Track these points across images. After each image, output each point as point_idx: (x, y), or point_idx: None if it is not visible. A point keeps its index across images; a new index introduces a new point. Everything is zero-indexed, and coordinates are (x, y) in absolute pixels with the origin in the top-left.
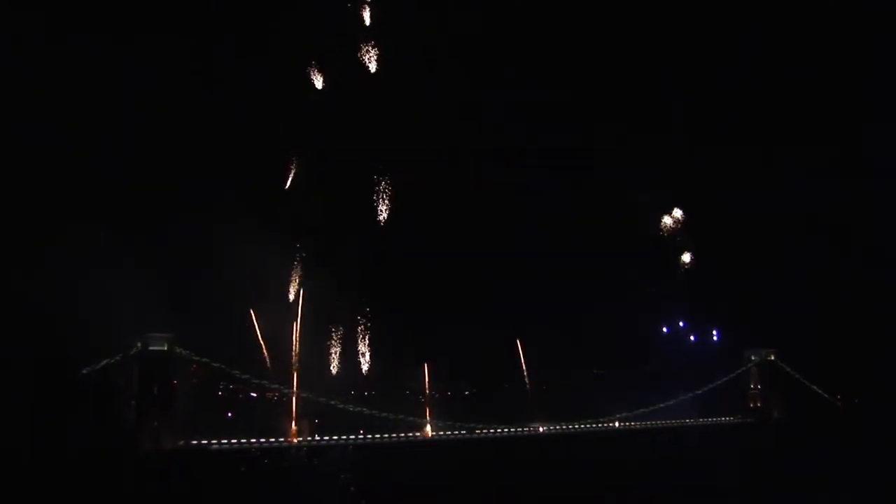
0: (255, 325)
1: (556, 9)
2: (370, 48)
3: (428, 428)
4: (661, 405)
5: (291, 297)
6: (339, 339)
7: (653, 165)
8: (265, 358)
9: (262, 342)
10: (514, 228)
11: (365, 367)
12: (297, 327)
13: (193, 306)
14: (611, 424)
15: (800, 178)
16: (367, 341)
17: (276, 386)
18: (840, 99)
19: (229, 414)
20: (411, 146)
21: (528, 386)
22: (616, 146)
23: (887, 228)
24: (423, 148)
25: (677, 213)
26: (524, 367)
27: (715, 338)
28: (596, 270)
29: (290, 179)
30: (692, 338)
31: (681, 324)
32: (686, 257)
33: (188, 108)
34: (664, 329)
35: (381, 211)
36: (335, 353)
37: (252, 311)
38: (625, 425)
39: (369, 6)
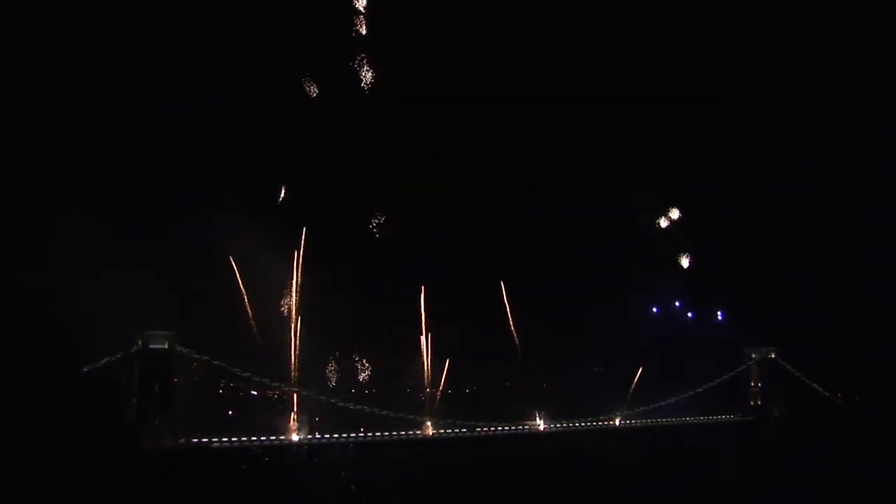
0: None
1: (554, 12)
2: (364, 58)
3: (428, 426)
4: (662, 403)
5: (291, 294)
6: (339, 336)
7: (652, 165)
8: (265, 355)
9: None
10: (512, 228)
11: (365, 365)
12: (294, 319)
13: (193, 305)
14: (611, 422)
15: (801, 176)
16: (367, 339)
17: (277, 384)
18: (843, 100)
19: (230, 412)
20: (408, 146)
21: (527, 383)
22: (615, 147)
23: (889, 224)
24: (419, 149)
25: (674, 213)
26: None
27: (719, 317)
28: (595, 269)
29: (282, 194)
30: (689, 314)
31: (677, 303)
32: (684, 261)
33: (189, 109)
34: (654, 309)
35: (378, 217)
36: (335, 351)
37: (231, 259)
38: (625, 423)
39: (364, 16)
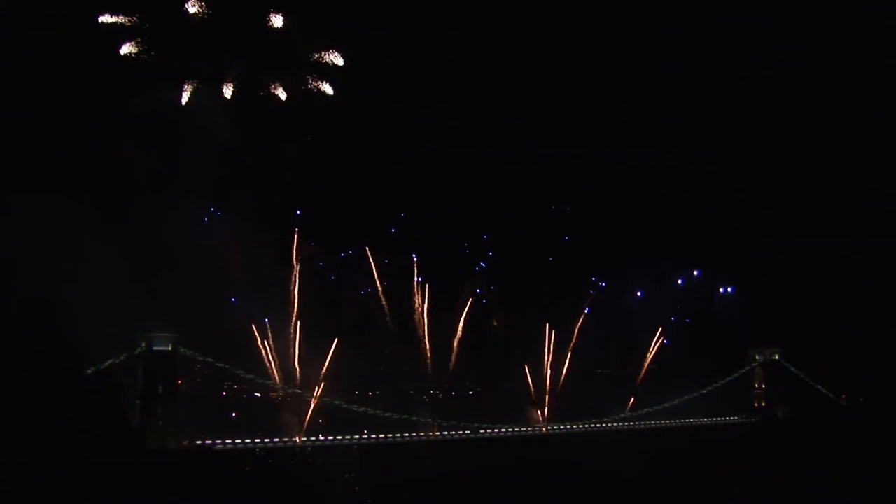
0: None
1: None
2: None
3: (432, 427)
4: (666, 404)
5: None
6: (341, 337)
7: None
8: (266, 357)
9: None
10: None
11: (368, 366)
12: (295, 322)
13: (196, 305)
14: (614, 424)
15: (803, 174)
16: (368, 339)
17: (280, 385)
18: (842, 96)
19: (233, 414)
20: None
21: (531, 385)
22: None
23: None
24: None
25: None
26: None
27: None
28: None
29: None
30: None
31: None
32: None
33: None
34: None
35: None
36: (337, 352)
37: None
38: (629, 425)
39: None
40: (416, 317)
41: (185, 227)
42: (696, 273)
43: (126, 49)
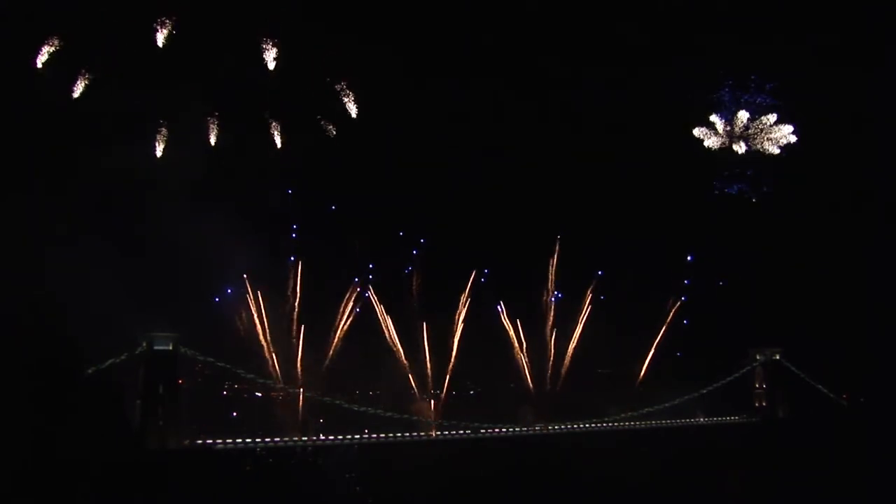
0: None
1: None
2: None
3: (433, 427)
4: (666, 404)
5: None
6: (342, 337)
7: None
8: (267, 356)
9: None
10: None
11: (368, 366)
12: (295, 319)
13: (195, 304)
14: (614, 424)
15: (803, 174)
16: (369, 339)
17: (281, 385)
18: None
19: (234, 413)
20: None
21: (531, 385)
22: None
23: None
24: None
25: None
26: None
27: None
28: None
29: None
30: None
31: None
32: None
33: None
34: None
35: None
36: (338, 352)
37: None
38: (629, 425)
39: None
40: (415, 316)
41: (185, 226)
42: (688, 258)
43: (79, 90)
